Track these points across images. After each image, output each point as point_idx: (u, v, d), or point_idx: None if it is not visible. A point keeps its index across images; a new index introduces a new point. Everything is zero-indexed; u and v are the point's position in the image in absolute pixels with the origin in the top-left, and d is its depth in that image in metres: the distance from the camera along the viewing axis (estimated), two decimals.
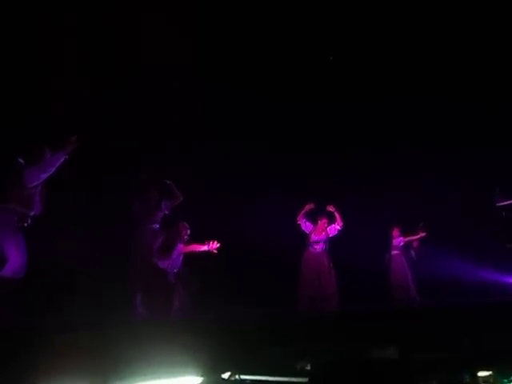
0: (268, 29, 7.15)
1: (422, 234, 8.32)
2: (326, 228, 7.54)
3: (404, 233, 8.50)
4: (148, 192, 6.14)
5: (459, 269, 7.72)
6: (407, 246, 8.57)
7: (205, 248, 5.95)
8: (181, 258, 6.20)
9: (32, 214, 4.93)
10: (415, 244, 8.72)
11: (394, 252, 8.34)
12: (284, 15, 7.21)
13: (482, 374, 5.90)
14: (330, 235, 7.52)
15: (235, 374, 3.91)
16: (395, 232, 8.42)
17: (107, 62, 6.24)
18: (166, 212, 6.18)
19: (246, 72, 7.26)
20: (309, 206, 7.51)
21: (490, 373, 5.90)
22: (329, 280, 7.23)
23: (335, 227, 7.55)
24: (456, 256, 7.80)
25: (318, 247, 7.50)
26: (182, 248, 6.15)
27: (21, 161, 4.95)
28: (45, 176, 4.88)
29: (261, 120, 7.45)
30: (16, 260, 4.62)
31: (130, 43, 6.26)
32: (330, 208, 7.53)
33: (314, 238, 7.52)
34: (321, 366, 1.82)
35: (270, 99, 7.36)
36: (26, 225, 4.85)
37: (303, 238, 7.62)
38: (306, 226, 7.56)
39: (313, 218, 7.70)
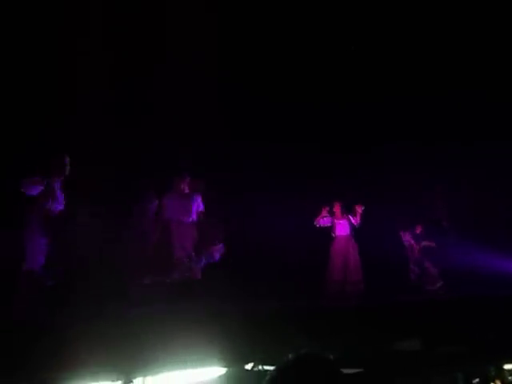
0: (266, 20, 7.09)
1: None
2: (344, 211, 7.59)
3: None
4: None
5: (483, 260, 7.62)
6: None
7: None
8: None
9: (56, 208, 5.02)
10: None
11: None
12: (299, 14, 7.17)
13: (508, 366, 5.85)
14: (352, 220, 7.56)
15: (258, 365, 3.93)
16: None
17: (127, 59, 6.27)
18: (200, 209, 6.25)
19: (249, 70, 7.22)
20: (325, 212, 7.59)
21: None
22: (355, 265, 7.30)
23: (352, 219, 7.59)
24: (480, 247, 7.70)
25: (344, 231, 7.58)
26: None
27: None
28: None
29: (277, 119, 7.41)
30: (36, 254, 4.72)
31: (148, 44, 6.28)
32: (359, 209, 7.57)
33: (337, 224, 7.59)
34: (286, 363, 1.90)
35: (276, 98, 7.31)
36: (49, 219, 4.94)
37: (327, 233, 7.68)
38: (325, 221, 7.62)
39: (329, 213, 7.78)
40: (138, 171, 6.33)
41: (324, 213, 7.64)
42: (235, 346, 3.95)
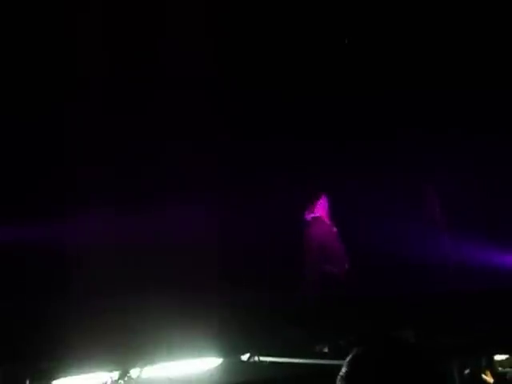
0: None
1: None
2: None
3: None
4: None
5: (474, 254, 7.68)
6: None
7: None
8: None
9: None
10: None
11: None
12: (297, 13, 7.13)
13: (498, 357, 5.94)
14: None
15: (254, 356, 3.97)
16: None
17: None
18: None
19: (253, 66, 7.18)
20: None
21: (506, 356, 5.93)
22: (333, 243, 7.36)
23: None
24: (474, 240, 7.75)
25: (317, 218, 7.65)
26: None
27: None
28: None
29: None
30: None
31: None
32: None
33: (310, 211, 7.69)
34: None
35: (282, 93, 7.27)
36: None
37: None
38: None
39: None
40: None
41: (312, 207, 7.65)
42: (231, 337, 4.00)
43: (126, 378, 3.70)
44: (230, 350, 3.92)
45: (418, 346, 1.68)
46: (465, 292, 5.14)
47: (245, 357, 4.02)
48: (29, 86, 5.67)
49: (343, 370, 1.65)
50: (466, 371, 5.58)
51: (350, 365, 1.64)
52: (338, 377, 1.65)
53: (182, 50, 6.32)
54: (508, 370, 6.15)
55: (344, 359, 1.71)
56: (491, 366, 5.95)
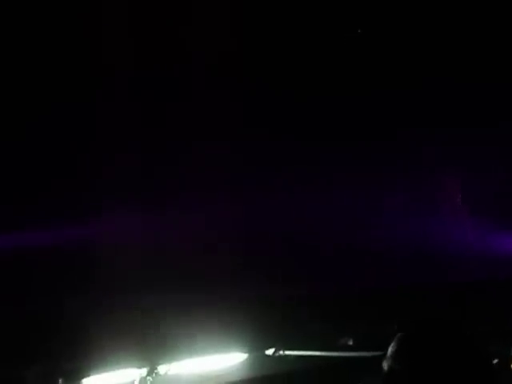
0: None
1: None
2: None
3: None
4: None
5: (501, 243, 7.58)
6: None
7: None
8: None
9: None
10: None
11: None
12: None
13: None
14: None
15: (279, 350, 4.00)
16: None
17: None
18: None
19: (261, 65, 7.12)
20: None
21: None
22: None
23: None
24: (498, 230, 7.65)
25: None
26: None
27: None
28: None
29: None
30: None
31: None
32: None
33: None
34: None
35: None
36: None
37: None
38: None
39: None
40: None
41: None
42: (255, 331, 4.03)
43: (153, 375, 3.77)
44: (255, 344, 3.96)
45: (466, 329, 1.63)
46: (490, 280, 5.10)
47: (270, 351, 4.05)
48: (49, 81, 5.71)
49: (390, 349, 1.60)
50: (495, 361, 5.52)
51: (399, 344, 1.59)
52: (386, 357, 1.60)
53: (203, 50, 6.34)
54: None
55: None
56: None
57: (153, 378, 3.77)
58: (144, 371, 3.77)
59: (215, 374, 4.02)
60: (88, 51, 5.76)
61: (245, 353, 4.03)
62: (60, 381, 3.55)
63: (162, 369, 3.83)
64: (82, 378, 3.61)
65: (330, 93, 7.52)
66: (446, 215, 8.20)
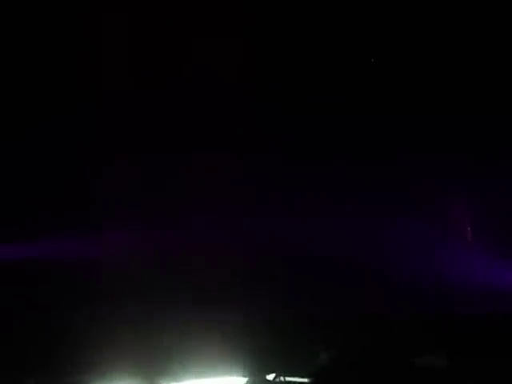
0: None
1: None
2: None
3: None
4: None
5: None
6: None
7: None
8: None
9: None
10: None
11: None
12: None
13: None
14: None
15: (280, 376, 3.94)
16: None
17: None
18: None
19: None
20: None
21: None
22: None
23: None
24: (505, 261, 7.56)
25: None
26: None
27: None
28: None
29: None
30: None
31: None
32: None
33: None
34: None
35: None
36: None
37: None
38: None
39: None
40: None
41: None
42: (257, 355, 3.98)
43: None
44: (255, 369, 3.91)
45: None
46: (498, 313, 5.02)
47: (270, 376, 3.99)
48: (50, 89, 5.72)
49: None
50: None
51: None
52: None
53: (207, 61, 6.35)
54: None
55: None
56: None
57: None
58: None
59: None
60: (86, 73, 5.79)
61: (245, 377, 3.98)
62: None
63: None
64: None
65: (341, 112, 7.51)
66: (451, 247, 8.11)
